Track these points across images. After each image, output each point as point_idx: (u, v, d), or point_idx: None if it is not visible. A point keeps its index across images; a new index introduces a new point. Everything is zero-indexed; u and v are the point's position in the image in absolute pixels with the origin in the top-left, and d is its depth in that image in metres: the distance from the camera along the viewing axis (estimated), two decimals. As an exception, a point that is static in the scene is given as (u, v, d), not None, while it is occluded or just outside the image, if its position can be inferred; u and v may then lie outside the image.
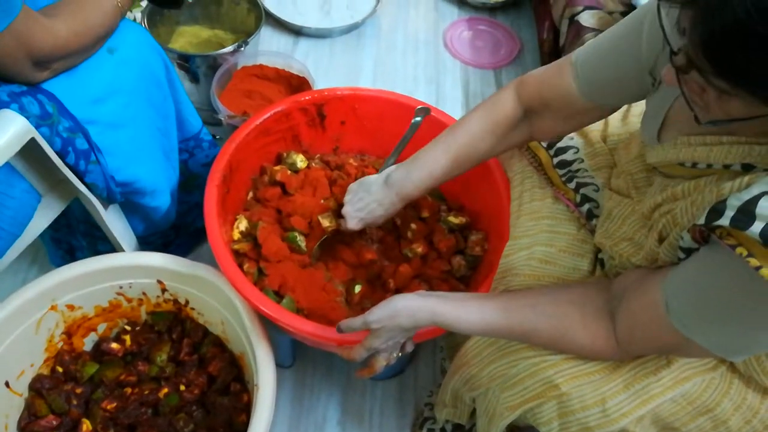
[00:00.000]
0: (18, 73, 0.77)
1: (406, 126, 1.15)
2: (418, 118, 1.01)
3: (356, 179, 1.13)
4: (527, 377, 0.75)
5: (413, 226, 1.07)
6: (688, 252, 0.62)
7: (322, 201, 1.08)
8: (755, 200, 0.52)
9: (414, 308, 0.75)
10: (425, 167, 0.88)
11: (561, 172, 0.89)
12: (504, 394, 0.77)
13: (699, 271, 0.60)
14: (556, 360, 0.73)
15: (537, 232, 0.86)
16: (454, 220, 1.09)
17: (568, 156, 0.90)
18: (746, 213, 0.52)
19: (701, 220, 0.56)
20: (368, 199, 0.93)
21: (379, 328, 0.75)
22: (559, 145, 0.91)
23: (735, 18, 0.45)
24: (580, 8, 1.33)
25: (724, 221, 0.53)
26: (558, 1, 1.50)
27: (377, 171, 1.17)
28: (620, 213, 0.77)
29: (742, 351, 0.63)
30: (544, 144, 0.93)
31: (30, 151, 0.78)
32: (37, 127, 0.76)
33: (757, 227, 0.51)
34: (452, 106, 1.68)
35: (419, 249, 1.05)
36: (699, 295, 0.60)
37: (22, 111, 0.75)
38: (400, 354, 0.82)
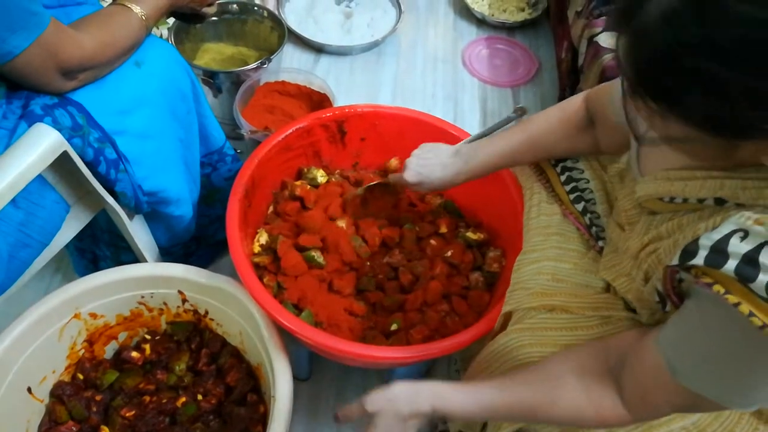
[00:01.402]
0: (47, 83, 0.79)
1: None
2: (513, 115, 1.03)
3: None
4: None
5: (432, 242, 1.08)
6: (661, 296, 0.62)
7: (329, 220, 1.09)
8: (726, 239, 0.52)
9: (413, 391, 0.72)
10: (497, 143, 0.91)
11: (568, 188, 0.90)
12: None
13: (688, 325, 0.59)
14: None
15: (546, 248, 0.86)
16: (472, 236, 1.10)
17: (574, 174, 0.91)
18: (719, 252, 0.52)
19: (675, 260, 0.57)
20: (434, 160, 0.95)
21: (377, 415, 0.72)
22: (565, 164, 0.92)
23: (658, 47, 0.47)
24: (599, 29, 1.34)
25: (698, 261, 0.54)
26: (576, 22, 1.51)
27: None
28: (621, 247, 0.76)
29: (754, 401, 0.59)
30: (552, 161, 0.93)
31: (61, 163, 0.80)
32: (69, 139, 0.79)
33: (731, 265, 0.51)
34: (470, 124, 1.70)
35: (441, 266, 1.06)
36: (697, 351, 0.58)
37: (55, 124, 0.78)
38: None
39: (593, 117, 0.85)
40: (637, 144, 0.71)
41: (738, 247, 0.51)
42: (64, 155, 0.79)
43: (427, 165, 0.95)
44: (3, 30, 0.70)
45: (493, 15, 1.96)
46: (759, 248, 0.50)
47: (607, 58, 1.27)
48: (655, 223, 0.67)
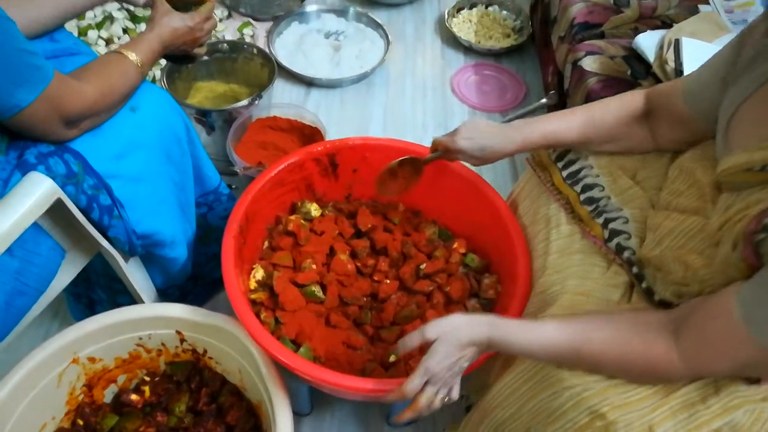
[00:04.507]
0: (51, 134, 0.81)
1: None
2: (546, 101, 1.06)
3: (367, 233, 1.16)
4: (571, 408, 0.72)
5: (429, 272, 1.09)
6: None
7: (307, 265, 1.08)
8: None
9: (472, 320, 0.76)
10: (552, 119, 0.94)
11: (589, 208, 0.91)
12: (548, 430, 0.75)
13: None
14: (600, 388, 0.72)
15: (568, 266, 0.87)
16: (471, 264, 1.11)
17: (594, 193, 0.92)
18: None
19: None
20: (484, 128, 0.97)
21: (437, 341, 0.75)
22: (586, 182, 0.93)
23: None
24: (582, 53, 1.36)
25: None
26: (560, 47, 1.54)
27: (387, 219, 1.20)
28: (685, 229, 0.78)
29: None
30: (569, 181, 0.95)
31: (56, 210, 0.81)
32: (63, 186, 0.80)
33: None
34: (461, 150, 1.71)
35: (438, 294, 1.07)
36: None
37: (49, 172, 0.79)
38: (447, 399, 0.79)
39: (655, 111, 0.89)
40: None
41: None
42: (59, 202, 0.80)
43: (477, 129, 0.97)
44: (9, 85, 0.72)
45: (479, 42, 2.00)
46: None
47: (591, 81, 1.30)
48: (739, 198, 0.69)
